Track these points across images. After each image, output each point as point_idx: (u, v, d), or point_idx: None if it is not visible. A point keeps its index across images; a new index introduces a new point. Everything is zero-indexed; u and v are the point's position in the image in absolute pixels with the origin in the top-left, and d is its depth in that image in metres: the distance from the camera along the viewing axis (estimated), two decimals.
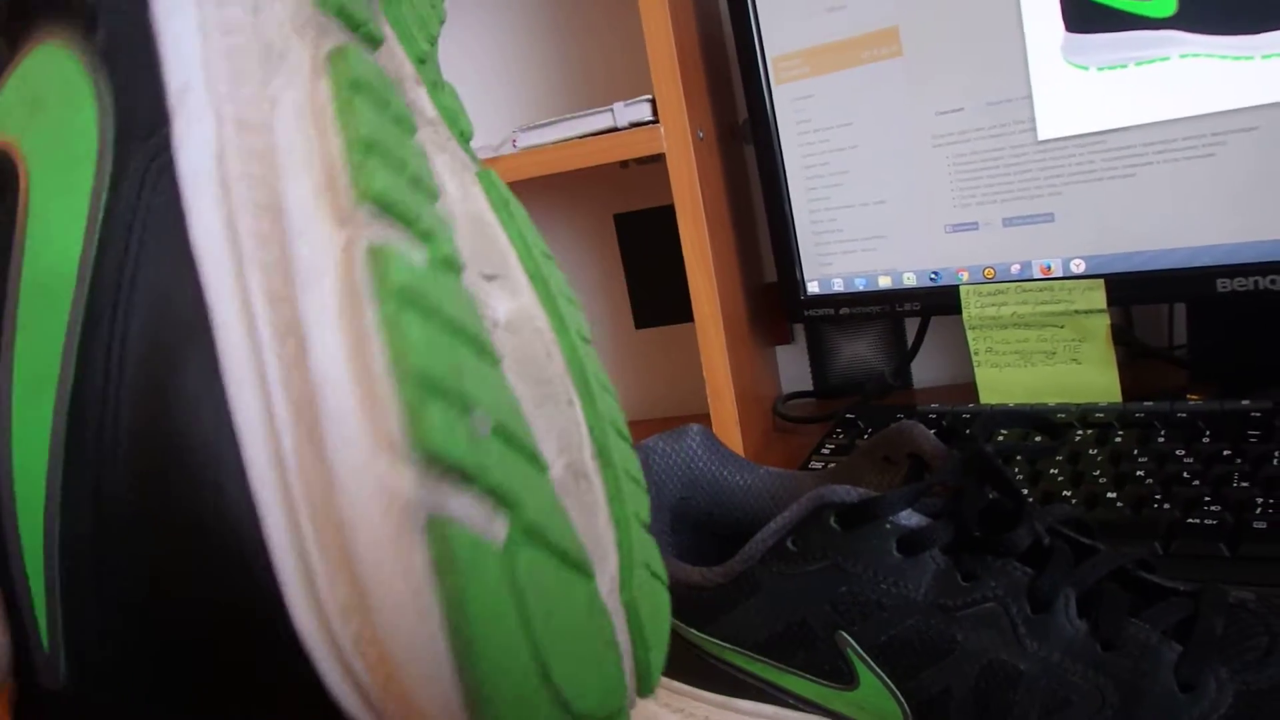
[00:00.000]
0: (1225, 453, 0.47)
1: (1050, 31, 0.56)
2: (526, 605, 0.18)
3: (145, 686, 0.19)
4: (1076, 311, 0.59)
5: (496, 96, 0.85)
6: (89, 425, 0.18)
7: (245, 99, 0.19)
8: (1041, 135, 0.58)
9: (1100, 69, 0.56)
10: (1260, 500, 0.42)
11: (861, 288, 0.68)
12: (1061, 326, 0.60)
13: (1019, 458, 0.51)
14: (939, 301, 0.65)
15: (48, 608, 0.19)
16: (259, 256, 0.18)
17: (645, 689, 0.23)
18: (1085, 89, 0.56)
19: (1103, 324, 0.59)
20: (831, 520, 0.31)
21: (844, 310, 0.68)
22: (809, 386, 0.82)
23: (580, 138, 0.66)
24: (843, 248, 0.67)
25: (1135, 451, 0.49)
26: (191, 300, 0.18)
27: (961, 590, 0.30)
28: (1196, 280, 0.56)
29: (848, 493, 0.31)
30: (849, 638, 0.31)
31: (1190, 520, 0.42)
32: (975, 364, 0.64)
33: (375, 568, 0.17)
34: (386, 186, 0.18)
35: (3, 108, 0.20)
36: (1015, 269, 0.62)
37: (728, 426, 0.67)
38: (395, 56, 0.24)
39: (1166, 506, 0.44)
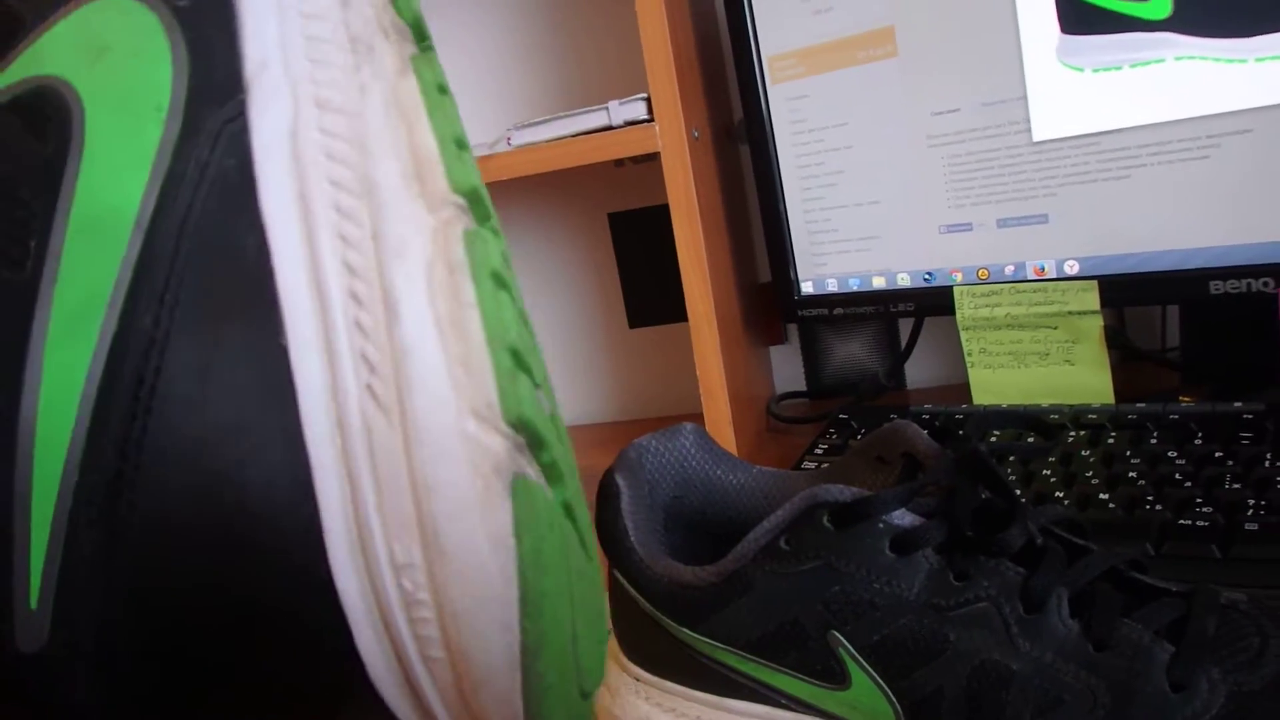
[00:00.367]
0: (1217, 454, 0.47)
1: (1045, 33, 0.56)
2: (570, 571, 0.20)
3: (157, 669, 0.18)
4: (1070, 313, 0.59)
5: (491, 94, 0.85)
6: (128, 371, 0.18)
7: (328, 82, 0.20)
8: (1036, 136, 0.58)
9: (1095, 71, 0.56)
10: (1252, 502, 0.42)
11: (856, 288, 0.68)
12: (1055, 328, 0.60)
13: (1012, 458, 0.51)
14: (933, 302, 0.65)
15: (45, 563, 0.17)
16: (338, 227, 0.19)
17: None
18: (1080, 90, 0.56)
19: (1096, 325, 0.59)
20: (824, 519, 0.31)
21: (838, 310, 0.68)
22: (803, 387, 0.82)
23: (575, 136, 0.66)
24: (837, 248, 0.67)
25: (1128, 453, 0.49)
26: (256, 261, 0.19)
27: (954, 590, 0.30)
28: (1190, 282, 0.56)
29: (841, 492, 0.31)
30: (841, 637, 0.31)
31: (1182, 521, 0.42)
32: (969, 365, 0.64)
33: (452, 521, 0.18)
34: (477, 184, 0.21)
35: (54, 48, 0.20)
36: (1009, 270, 0.62)
37: (721, 426, 0.67)
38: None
39: (1159, 508, 0.44)
